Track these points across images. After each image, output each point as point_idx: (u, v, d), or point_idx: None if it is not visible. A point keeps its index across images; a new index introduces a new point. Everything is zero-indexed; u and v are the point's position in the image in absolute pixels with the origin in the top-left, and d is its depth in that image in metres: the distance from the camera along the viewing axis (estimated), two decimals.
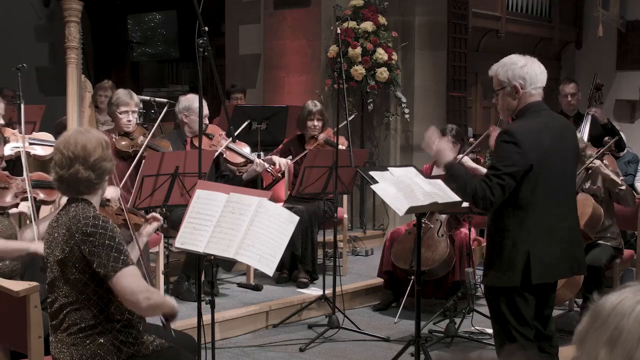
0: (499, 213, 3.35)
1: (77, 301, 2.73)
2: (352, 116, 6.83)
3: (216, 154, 5.33)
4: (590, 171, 4.94)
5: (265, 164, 5.60)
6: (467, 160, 5.55)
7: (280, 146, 6.18)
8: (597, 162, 4.91)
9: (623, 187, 4.96)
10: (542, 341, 3.48)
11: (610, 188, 4.97)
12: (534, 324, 3.40)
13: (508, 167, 3.23)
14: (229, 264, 5.41)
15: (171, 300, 2.89)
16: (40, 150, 4.84)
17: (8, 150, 4.31)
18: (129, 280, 2.68)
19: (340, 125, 5.36)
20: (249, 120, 6.02)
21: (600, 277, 4.87)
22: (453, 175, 3.46)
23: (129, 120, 5.03)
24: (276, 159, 5.86)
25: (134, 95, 5.15)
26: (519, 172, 3.24)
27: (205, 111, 5.49)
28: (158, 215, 3.29)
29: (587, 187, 5.01)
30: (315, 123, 5.98)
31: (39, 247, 3.36)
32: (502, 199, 3.26)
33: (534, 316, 3.41)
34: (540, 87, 3.38)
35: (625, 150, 7.85)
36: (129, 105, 5.03)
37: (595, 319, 1.38)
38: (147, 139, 4.95)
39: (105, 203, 3.05)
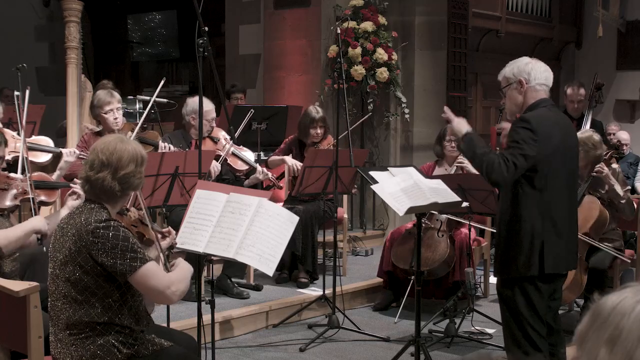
0: (513, 204, 3.39)
1: (76, 302, 2.73)
2: (364, 118, 6.88)
3: (221, 159, 5.33)
4: (595, 176, 4.90)
5: (269, 173, 5.56)
6: (465, 161, 5.56)
7: (282, 145, 6.14)
8: (605, 170, 4.89)
9: (624, 201, 4.94)
10: (552, 336, 3.51)
11: (612, 197, 4.95)
12: (545, 320, 3.43)
13: (524, 149, 3.28)
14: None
15: (188, 269, 2.94)
16: (39, 157, 4.79)
17: (6, 154, 4.29)
18: (153, 279, 2.74)
19: (340, 136, 5.32)
20: (251, 111, 5.97)
21: (603, 279, 4.89)
22: (473, 142, 3.45)
23: (116, 118, 5.00)
24: (289, 160, 5.83)
25: (115, 93, 5.12)
26: (532, 157, 3.29)
27: (213, 114, 5.48)
28: (171, 230, 3.28)
29: (593, 190, 4.98)
30: (318, 131, 5.93)
31: (41, 224, 3.36)
32: (512, 179, 3.32)
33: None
34: (545, 85, 3.46)
35: (627, 152, 7.88)
36: (112, 103, 4.99)
37: (595, 319, 1.38)
38: (135, 132, 4.93)
39: (123, 212, 3.03)
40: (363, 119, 6.87)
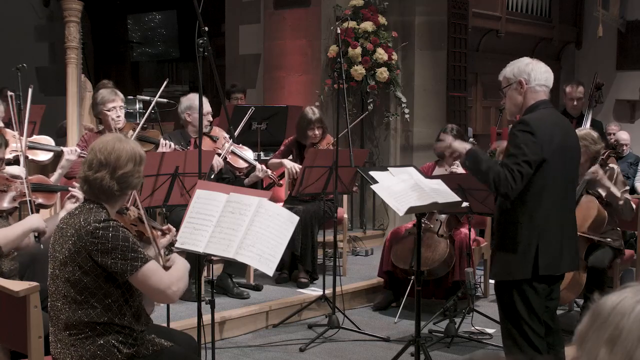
0: (509, 206, 3.38)
1: (76, 302, 2.73)
2: (363, 116, 6.91)
3: (221, 157, 5.32)
4: (590, 179, 4.87)
5: (268, 170, 5.56)
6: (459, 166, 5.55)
7: (282, 147, 6.15)
8: (601, 173, 4.86)
9: (622, 202, 4.91)
10: (550, 336, 3.50)
11: (610, 200, 4.93)
12: (543, 320, 3.42)
13: (526, 155, 3.27)
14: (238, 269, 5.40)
15: (185, 266, 2.95)
16: (40, 156, 4.79)
17: (7, 153, 4.28)
18: (154, 279, 2.74)
19: (340, 134, 5.32)
20: (252, 109, 5.96)
21: (602, 279, 4.88)
22: (476, 158, 3.41)
23: (118, 116, 4.99)
24: (287, 162, 5.84)
25: (119, 92, 5.13)
26: (535, 161, 3.28)
27: (208, 108, 5.49)
28: (171, 227, 3.27)
29: (592, 189, 4.97)
30: (316, 132, 5.93)
31: (39, 222, 3.35)
32: (521, 187, 3.29)
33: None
34: (545, 86, 3.45)
35: (628, 152, 7.87)
36: (115, 101, 4.99)
37: (595, 319, 1.38)
38: (136, 131, 4.92)
39: (123, 211, 3.02)
40: (362, 117, 6.88)
